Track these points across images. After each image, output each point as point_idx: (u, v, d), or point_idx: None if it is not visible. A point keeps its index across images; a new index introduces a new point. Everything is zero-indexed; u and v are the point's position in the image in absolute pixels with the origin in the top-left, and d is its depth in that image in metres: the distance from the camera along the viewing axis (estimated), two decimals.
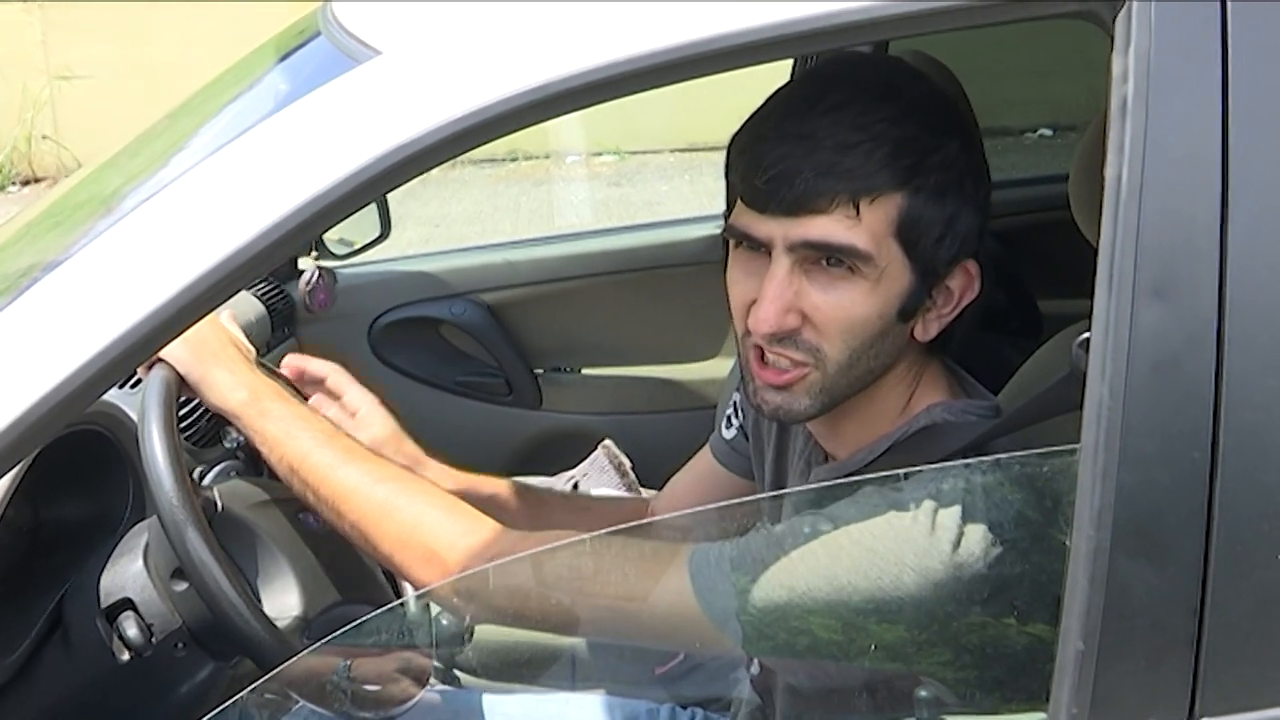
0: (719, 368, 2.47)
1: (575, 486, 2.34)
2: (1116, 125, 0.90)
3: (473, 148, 0.92)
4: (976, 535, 1.01)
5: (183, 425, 1.69)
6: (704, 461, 1.54)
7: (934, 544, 1.01)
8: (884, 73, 1.17)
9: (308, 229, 0.93)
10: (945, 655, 1.04)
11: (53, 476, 1.47)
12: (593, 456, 2.36)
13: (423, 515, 1.19)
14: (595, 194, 7.38)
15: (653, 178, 7.46)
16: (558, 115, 0.91)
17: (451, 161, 0.95)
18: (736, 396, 1.51)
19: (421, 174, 0.93)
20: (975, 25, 1.02)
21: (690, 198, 6.83)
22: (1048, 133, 8.15)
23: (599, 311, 2.55)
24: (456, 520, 1.19)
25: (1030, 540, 0.99)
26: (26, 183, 7.83)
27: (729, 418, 1.51)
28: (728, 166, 1.17)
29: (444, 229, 6.81)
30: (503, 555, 1.14)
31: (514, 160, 7.99)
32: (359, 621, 1.18)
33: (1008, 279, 2.46)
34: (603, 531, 1.11)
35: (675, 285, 2.50)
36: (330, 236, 2.66)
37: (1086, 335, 0.92)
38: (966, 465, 1.03)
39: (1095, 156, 1.24)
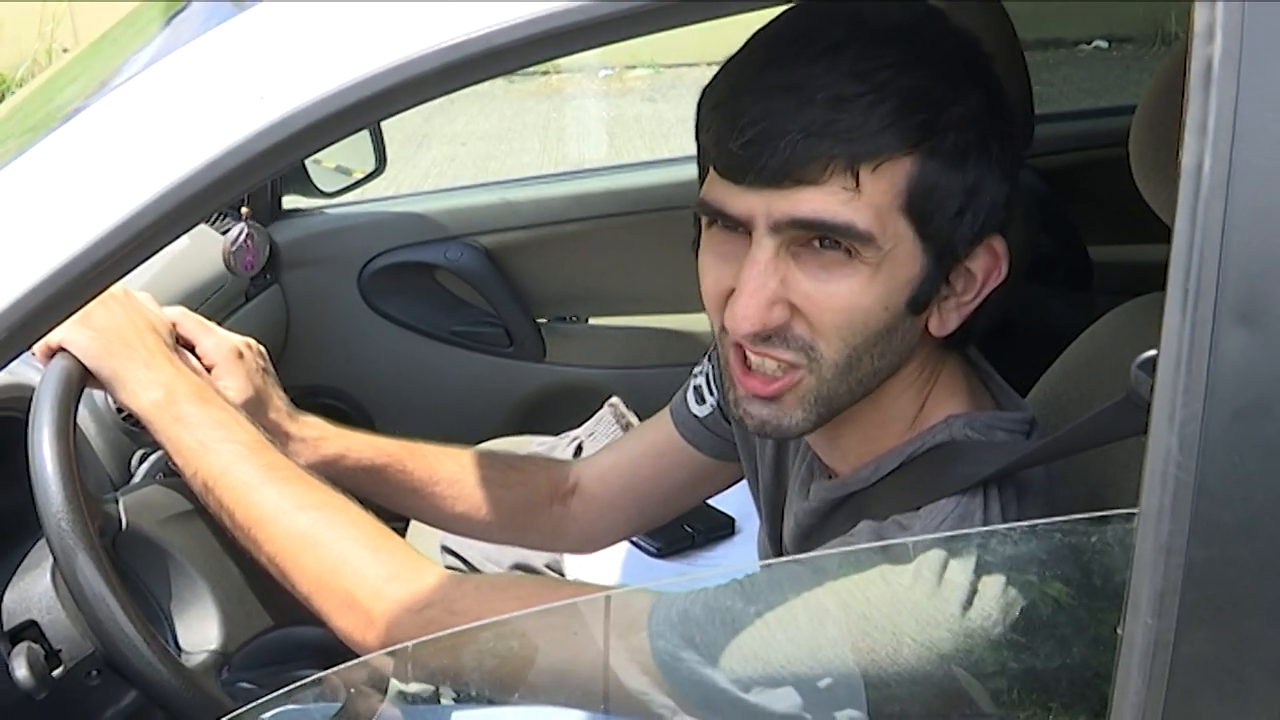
0: None
1: (580, 448, 2.18)
2: (1198, 97, 0.69)
3: (366, 125, 0.73)
4: (992, 594, 0.82)
5: None
6: (662, 434, 1.34)
7: (939, 606, 0.82)
8: (888, 7, 0.94)
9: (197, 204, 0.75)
10: None
11: None
12: (599, 415, 2.19)
13: (347, 553, 1.01)
14: (628, 110, 7.15)
15: (688, 93, 7.20)
16: (467, 85, 0.71)
17: None
18: (709, 367, 1.31)
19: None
20: None
21: None
22: (1103, 44, 7.81)
23: (607, 256, 2.36)
24: (384, 561, 1.00)
25: (1067, 623, 0.80)
26: None
27: (699, 390, 1.31)
28: (698, 126, 0.96)
29: (470, 147, 6.62)
30: (434, 604, 0.96)
31: (544, 74, 7.75)
32: (281, 692, 0.98)
33: (1055, 223, 2.24)
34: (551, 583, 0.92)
35: (690, 228, 2.29)
36: (326, 165, 2.47)
37: (1150, 354, 0.71)
38: (991, 532, 0.83)
39: (1161, 114, 1.03)
